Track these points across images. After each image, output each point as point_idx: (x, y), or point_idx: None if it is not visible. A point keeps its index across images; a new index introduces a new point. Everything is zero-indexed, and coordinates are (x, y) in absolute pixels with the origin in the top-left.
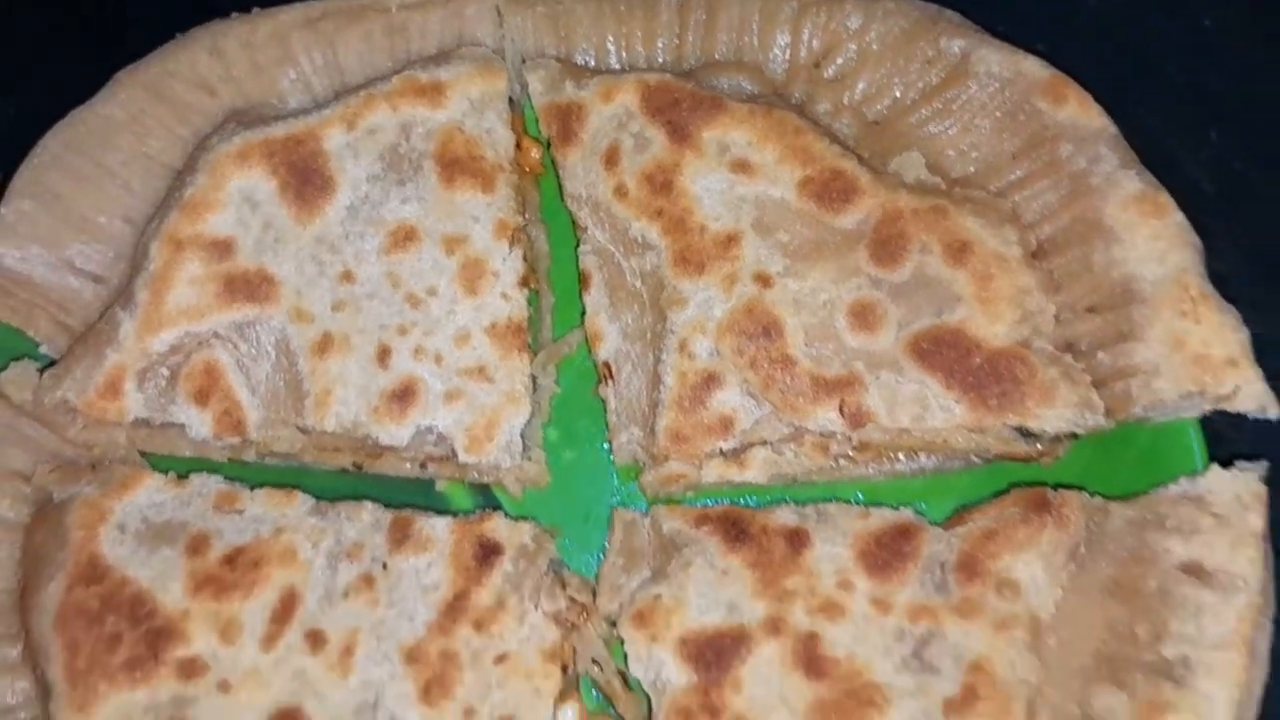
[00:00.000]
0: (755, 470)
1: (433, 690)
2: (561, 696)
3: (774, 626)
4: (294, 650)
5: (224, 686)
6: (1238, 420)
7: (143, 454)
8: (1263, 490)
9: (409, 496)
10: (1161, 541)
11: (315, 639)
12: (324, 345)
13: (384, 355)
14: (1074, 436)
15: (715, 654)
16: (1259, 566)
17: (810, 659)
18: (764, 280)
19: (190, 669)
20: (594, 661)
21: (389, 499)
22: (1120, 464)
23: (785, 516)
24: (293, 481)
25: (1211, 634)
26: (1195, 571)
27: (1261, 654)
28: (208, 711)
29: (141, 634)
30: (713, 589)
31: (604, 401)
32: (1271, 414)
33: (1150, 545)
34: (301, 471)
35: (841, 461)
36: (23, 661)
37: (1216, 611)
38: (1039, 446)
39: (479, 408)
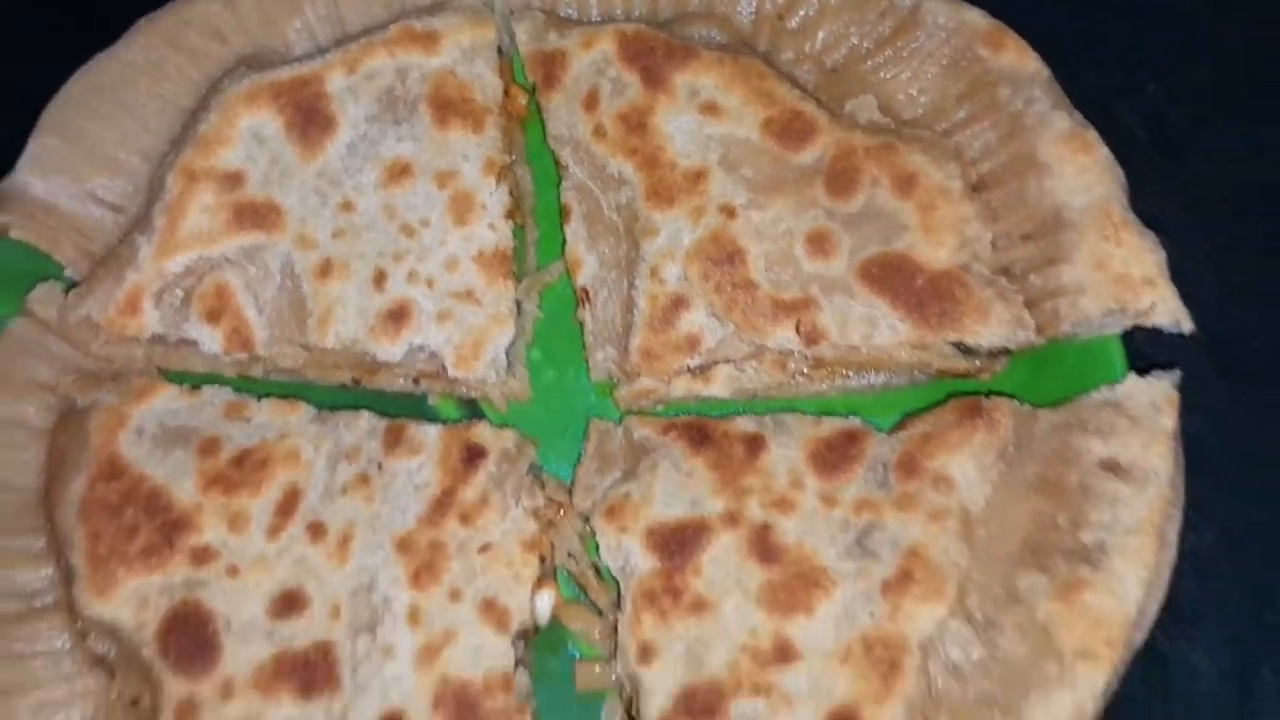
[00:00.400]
0: (719, 385)
1: (422, 576)
2: (539, 584)
3: (731, 519)
4: (296, 540)
5: (232, 571)
6: (1156, 335)
7: (159, 370)
8: (1175, 395)
9: (402, 408)
10: (1083, 442)
11: (316, 530)
12: (325, 269)
13: (380, 279)
14: (1008, 353)
15: (678, 543)
16: (1169, 462)
17: (763, 547)
18: (729, 212)
19: (202, 556)
20: (569, 555)
21: (384, 410)
22: (1050, 378)
23: (744, 425)
24: (296, 395)
25: (1125, 521)
26: (1112, 467)
27: (1170, 540)
28: (217, 593)
29: (157, 525)
30: (677, 487)
31: (582, 325)
32: (1185, 328)
33: (1072, 445)
34: (304, 386)
35: (798, 378)
36: (48, 551)
37: (1130, 502)
38: (977, 363)
39: (467, 328)
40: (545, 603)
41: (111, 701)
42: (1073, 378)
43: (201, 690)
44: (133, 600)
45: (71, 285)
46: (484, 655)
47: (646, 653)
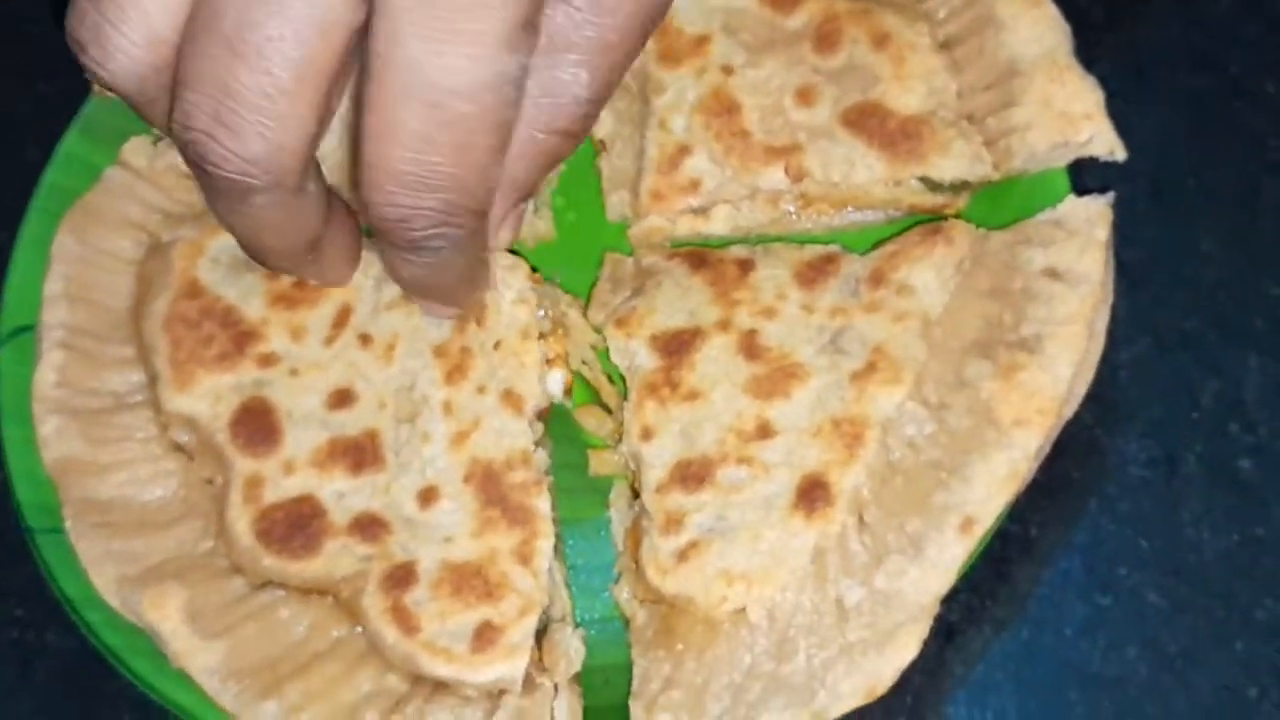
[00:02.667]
0: (719, 223)
1: (454, 375)
2: (548, 364)
3: (723, 325)
4: (348, 347)
5: (293, 372)
6: (1099, 172)
7: None
8: (1108, 211)
9: None
10: (1027, 253)
11: (365, 339)
12: None
13: None
14: (969, 188)
15: (677, 344)
16: (1099, 266)
17: (750, 347)
18: (728, 70)
19: (267, 360)
20: (584, 363)
21: None
22: (1005, 209)
23: (737, 251)
24: None
25: (1059, 314)
26: (1051, 273)
27: (1098, 331)
28: (281, 390)
29: (230, 335)
30: (677, 300)
31: (599, 173)
32: (1119, 155)
33: (1018, 257)
34: None
35: (788, 215)
36: (136, 358)
37: (1064, 298)
38: (942, 198)
39: None
40: (556, 382)
41: (191, 481)
42: (1024, 207)
43: (266, 467)
44: (209, 396)
45: (158, 139)
46: (505, 436)
47: (647, 433)
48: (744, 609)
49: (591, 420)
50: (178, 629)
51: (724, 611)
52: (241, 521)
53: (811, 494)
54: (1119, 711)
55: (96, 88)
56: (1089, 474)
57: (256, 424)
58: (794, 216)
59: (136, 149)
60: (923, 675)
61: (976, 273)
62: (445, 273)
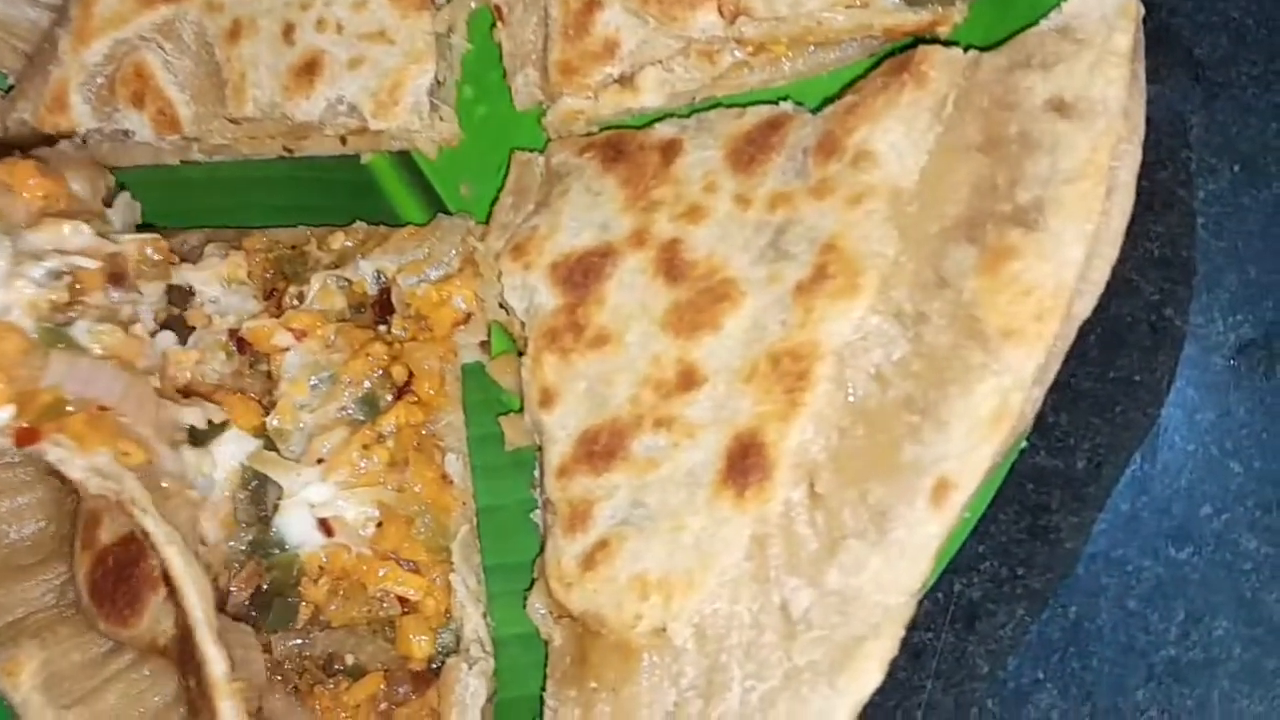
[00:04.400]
0: (650, 93)
1: None
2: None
3: (639, 239)
4: None
5: None
6: None
7: (110, 169)
8: (1134, 7)
9: (339, 175)
10: (1024, 81)
11: None
12: (234, 31)
13: (289, 32)
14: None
15: (582, 273)
16: (1119, 87)
17: (671, 265)
18: None
19: None
20: (500, 306)
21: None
22: (1017, 18)
23: (664, 131)
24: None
25: (1064, 168)
26: (1057, 106)
27: (1124, 182)
28: None
29: None
30: (586, 211)
31: (499, 46)
32: None
33: (1014, 87)
34: (244, 163)
35: (737, 70)
36: None
37: (1072, 143)
38: (927, 15)
39: (382, 71)
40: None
41: (63, 513)
42: (1034, 10)
43: None
44: None
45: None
46: None
47: (547, 397)
48: (664, 629)
49: (509, 374)
50: (30, 698)
51: (641, 634)
52: (81, 572)
53: (744, 462)
54: (1206, 710)
55: None
56: (1155, 374)
57: None
58: (745, 69)
59: None
60: (937, 681)
61: (963, 119)
62: None
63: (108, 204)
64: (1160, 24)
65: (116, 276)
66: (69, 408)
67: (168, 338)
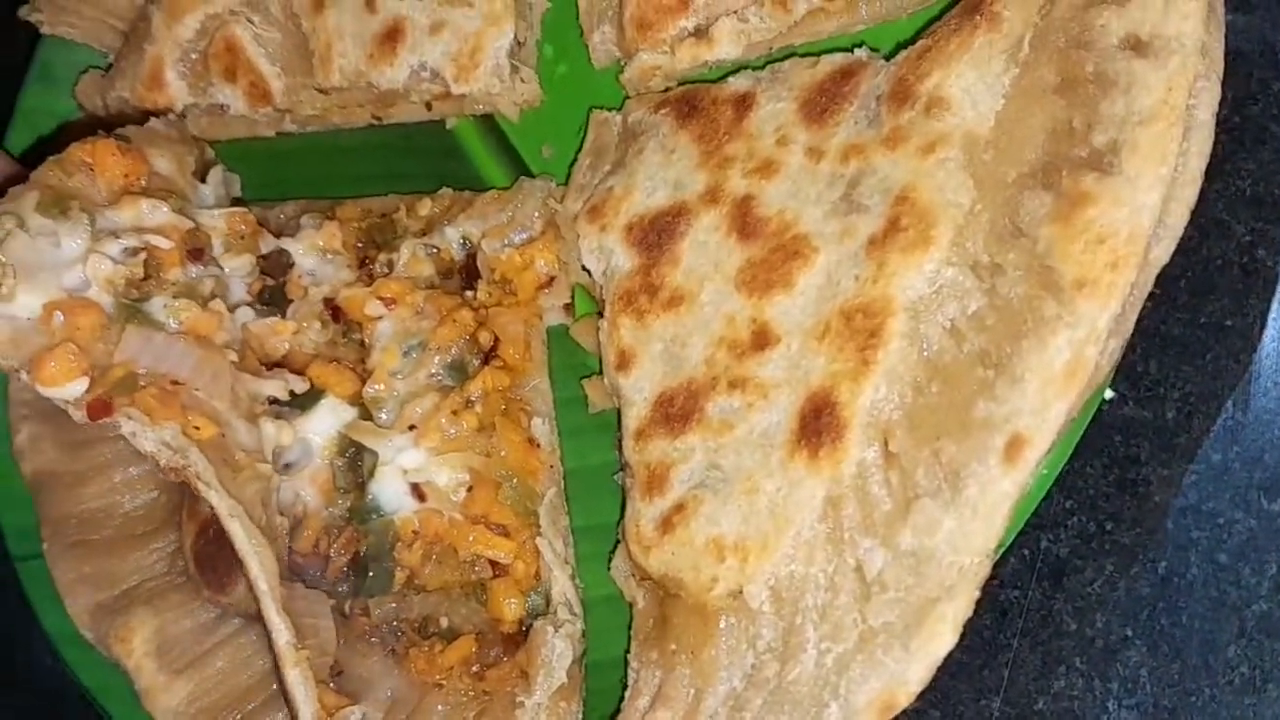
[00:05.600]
0: (725, 44)
1: None
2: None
3: (712, 196)
4: None
5: None
6: None
7: (209, 144)
8: None
9: (426, 144)
10: (1100, 18)
11: None
12: (319, 2)
13: (370, 1)
14: None
15: (657, 234)
16: (1194, 22)
17: (744, 222)
18: None
19: None
20: (584, 269)
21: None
22: None
23: (738, 83)
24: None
25: (1139, 109)
26: (1133, 44)
27: (1202, 121)
28: None
29: None
30: (660, 170)
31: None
32: None
33: (1090, 25)
34: (335, 133)
35: (808, 17)
36: None
37: (1147, 82)
38: None
39: (462, 35)
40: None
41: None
42: None
43: None
44: None
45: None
46: None
47: (624, 360)
48: (740, 591)
49: (592, 337)
50: (142, 664)
51: (718, 596)
52: (187, 541)
53: (817, 422)
54: None
55: (46, 27)
56: (1248, 319)
57: None
58: (823, 16)
59: (87, 86)
60: (1024, 639)
61: (1039, 60)
62: None
63: (201, 179)
64: None
65: (195, 252)
66: (141, 382)
67: (247, 313)
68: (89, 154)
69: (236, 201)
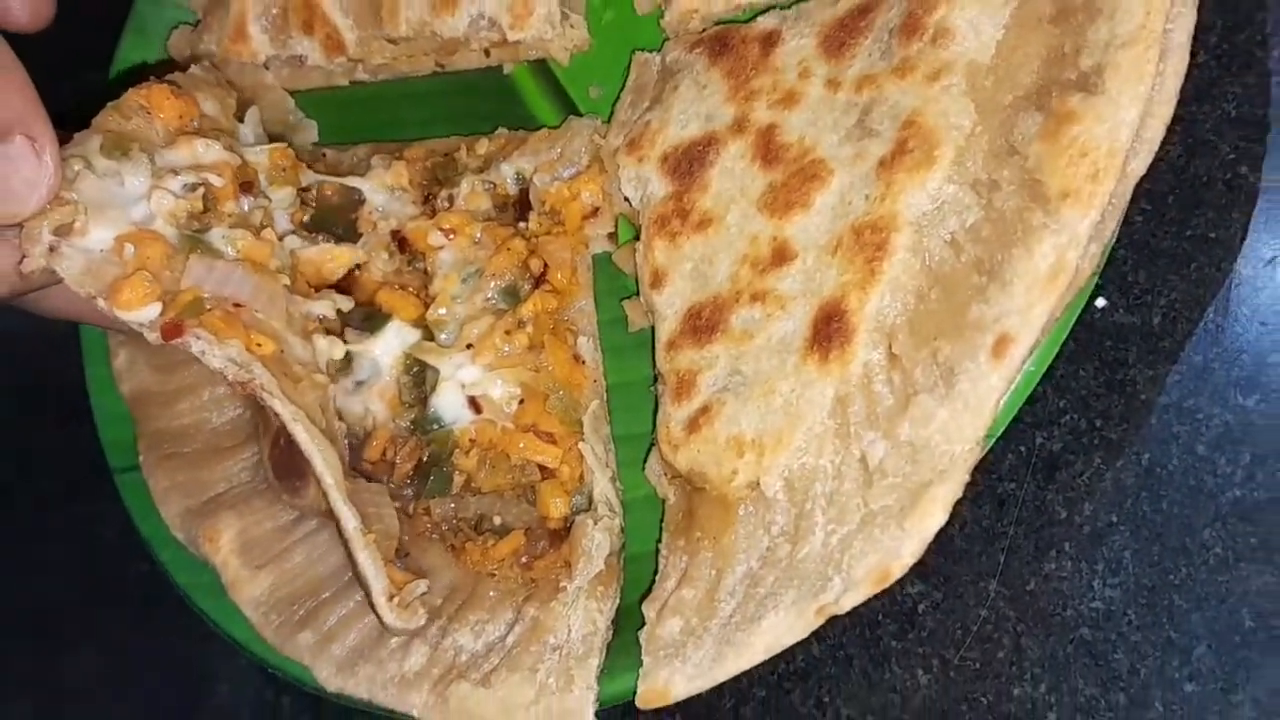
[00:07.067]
0: None
1: None
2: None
3: (739, 126)
4: None
5: None
6: None
7: (289, 92)
8: None
9: (486, 92)
10: None
11: None
12: None
13: None
14: None
15: (689, 162)
16: None
17: (767, 149)
18: None
19: None
20: (625, 199)
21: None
22: None
23: (766, 22)
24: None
25: (1121, 33)
26: None
27: (1178, 44)
28: None
29: None
30: (693, 104)
31: None
32: None
33: None
34: (403, 81)
35: None
36: None
37: (1129, 8)
38: None
39: None
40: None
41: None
42: None
43: None
44: None
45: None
46: None
47: (658, 278)
48: (757, 482)
49: (632, 262)
50: (228, 560)
51: (737, 487)
52: (265, 452)
53: (828, 329)
54: (1268, 547)
55: None
56: (1230, 230)
57: None
58: None
59: (178, 41)
60: (1019, 527)
61: None
62: None
63: (240, 119)
64: None
65: (246, 185)
66: (207, 305)
67: (294, 240)
68: (145, 98)
69: (318, 145)
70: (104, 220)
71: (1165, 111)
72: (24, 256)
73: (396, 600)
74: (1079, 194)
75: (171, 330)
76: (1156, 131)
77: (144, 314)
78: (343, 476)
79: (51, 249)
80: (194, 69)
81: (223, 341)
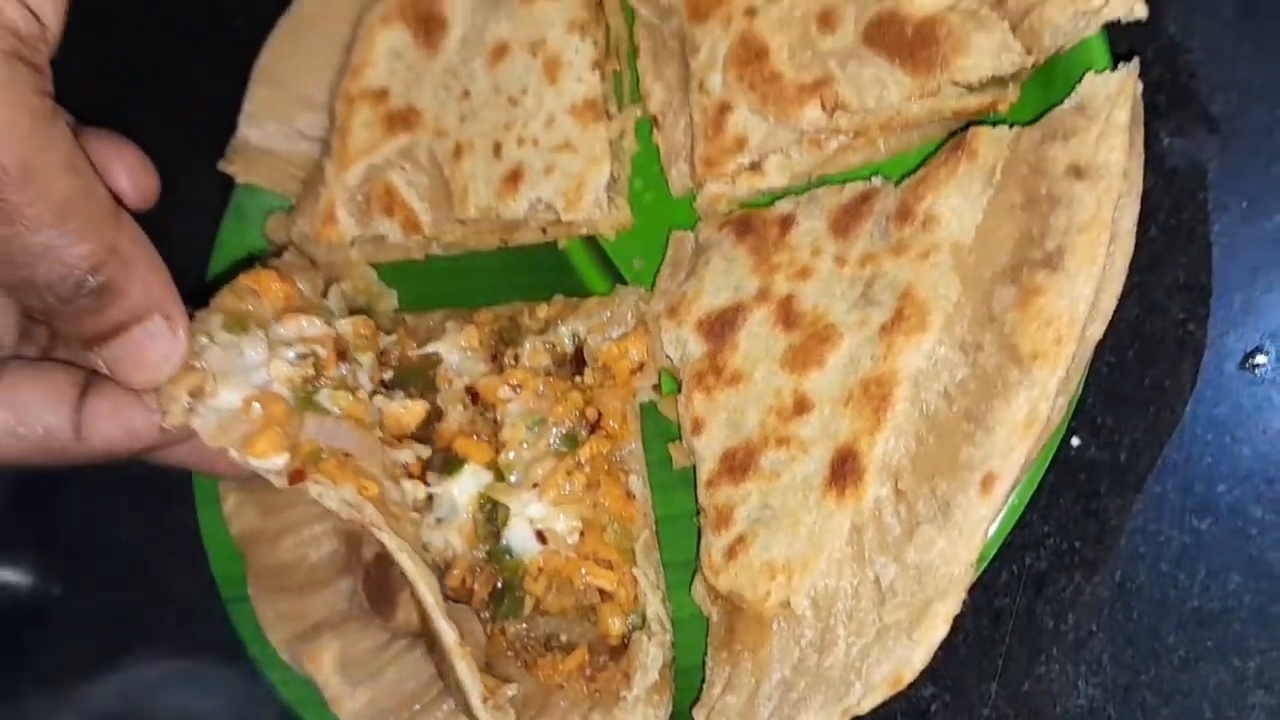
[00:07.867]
0: (774, 175)
1: None
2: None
3: (763, 296)
4: None
5: None
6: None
7: (371, 265)
8: (1129, 83)
9: (544, 261)
10: (1051, 150)
11: None
12: (457, 152)
13: (497, 149)
14: (1013, 80)
15: (720, 326)
16: (1119, 153)
17: (787, 315)
18: (751, 13)
19: None
20: (667, 357)
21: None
22: (1056, 94)
23: (783, 206)
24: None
25: (1077, 220)
26: (1075, 171)
27: (1125, 230)
28: None
29: None
30: (723, 276)
31: (657, 147)
32: (1140, 14)
33: (1045, 156)
34: (472, 254)
35: (838, 152)
36: None
37: (1083, 200)
38: (987, 97)
39: (569, 174)
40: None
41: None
42: (1070, 88)
43: None
44: None
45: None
46: None
47: (697, 425)
48: (788, 602)
49: (672, 409)
50: (329, 679)
51: (772, 606)
52: (358, 581)
53: (843, 469)
54: (1222, 649)
55: (240, 177)
56: (1181, 380)
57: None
58: (849, 151)
59: (275, 226)
60: (1014, 636)
61: (1008, 184)
62: None
63: (324, 295)
64: (1182, 87)
65: (343, 353)
66: (323, 455)
67: (378, 398)
68: (254, 282)
69: (398, 312)
70: (229, 384)
71: (1116, 286)
72: (164, 414)
73: (491, 703)
74: (1046, 355)
75: (297, 476)
76: (1109, 303)
77: (275, 462)
78: (441, 598)
79: (189, 408)
80: (287, 254)
81: (338, 485)
